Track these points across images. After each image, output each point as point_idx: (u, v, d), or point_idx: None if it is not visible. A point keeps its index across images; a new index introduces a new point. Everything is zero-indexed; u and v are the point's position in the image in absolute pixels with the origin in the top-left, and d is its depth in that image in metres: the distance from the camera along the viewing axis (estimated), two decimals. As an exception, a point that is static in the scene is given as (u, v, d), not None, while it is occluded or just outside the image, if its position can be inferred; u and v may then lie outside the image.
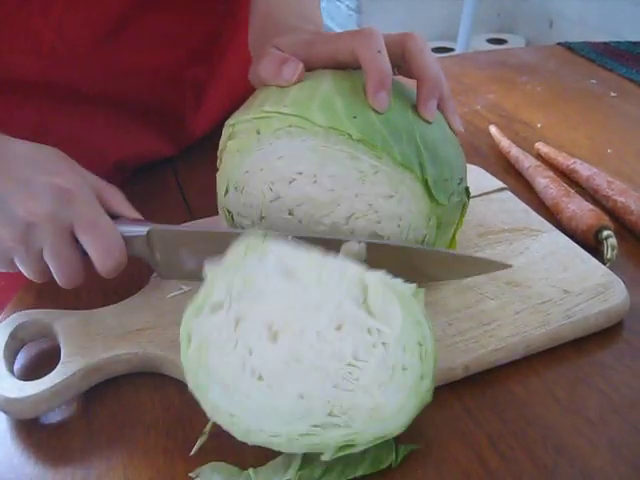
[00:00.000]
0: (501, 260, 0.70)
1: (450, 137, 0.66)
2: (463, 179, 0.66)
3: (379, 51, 0.62)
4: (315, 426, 0.51)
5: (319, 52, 0.66)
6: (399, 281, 0.55)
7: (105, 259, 0.63)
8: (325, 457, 0.51)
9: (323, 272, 0.56)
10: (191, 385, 0.54)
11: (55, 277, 0.64)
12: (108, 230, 0.63)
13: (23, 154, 0.64)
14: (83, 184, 0.63)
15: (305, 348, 0.53)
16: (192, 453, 0.56)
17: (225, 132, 0.66)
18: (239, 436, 0.52)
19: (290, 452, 0.52)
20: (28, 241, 0.61)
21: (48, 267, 0.64)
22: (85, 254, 0.64)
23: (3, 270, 0.65)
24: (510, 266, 0.66)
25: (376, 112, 0.61)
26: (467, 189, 0.67)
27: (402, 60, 0.65)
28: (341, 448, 0.51)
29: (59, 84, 0.83)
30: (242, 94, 0.81)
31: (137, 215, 0.67)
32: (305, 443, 0.51)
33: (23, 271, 0.64)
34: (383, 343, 0.53)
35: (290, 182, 0.64)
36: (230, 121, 0.65)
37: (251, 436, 0.52)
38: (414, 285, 0.55)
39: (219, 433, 0.57)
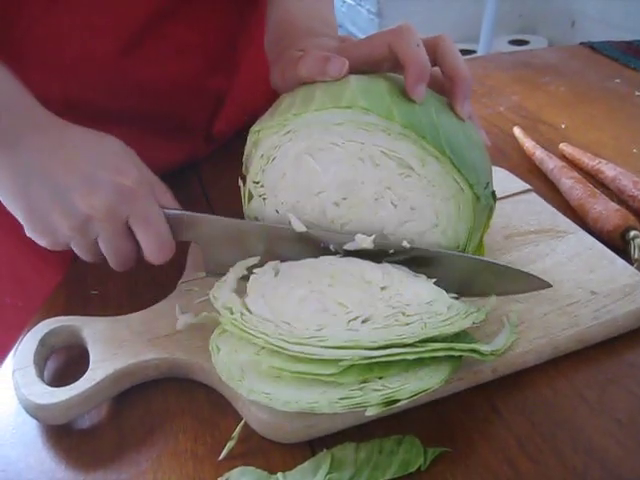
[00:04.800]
0: (527, 262, 0.71)
1: (475, 141, 0.66)
2: (489, 183, 0.66)
3: (417, 45, 0.63)
4: (353, 390, 0.53)
5: (352, 54, 0.66)
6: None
7: (157, 253, 0.66)
8: (370, 413, 0.53)
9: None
10: (224, 378, 0.56)
11: (109, 261, 0.68)
12: (161, 226, 0.66)
13: (85, 145, 0.65)
14: (143, 181, 0.65)
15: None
16: (221, 457, 0.56)
17: (250, 138, 0.66)
18: (279, 407, 0.54)
19: (332, 413, 0.53)
20: (85, 231, 0.65)
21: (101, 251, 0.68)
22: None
23: (60, 249, 0.68)
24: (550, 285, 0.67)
25: (402, 114, 0.61)
26: (493, 192, 0.66)
27: (433, 62, 0.65)
28: (385, 404, 0.53)
29: (80, 103, 0.83)
30: (260, 99, 0.82)
31: (182, 212, 0.69)
32: (345, 404, 0.53)
33: (78, 254, 0.68)
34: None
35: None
36: (255, 127, 0.66)
37: (290, 405, 0.53)
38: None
39: (248, 437, 0.57)
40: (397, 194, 0.64)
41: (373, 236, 0.64)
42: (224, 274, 0.65)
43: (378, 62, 0.67)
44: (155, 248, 0.66)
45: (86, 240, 0.66)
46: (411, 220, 0.65)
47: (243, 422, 0.57)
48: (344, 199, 0.65)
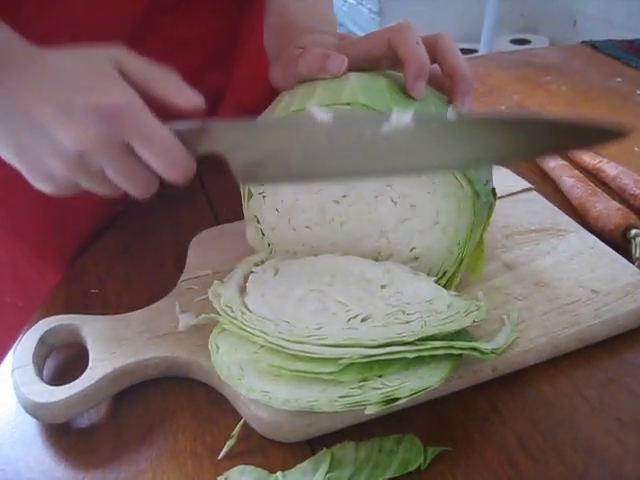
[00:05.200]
0: (528, 261, 0.70)
1: None
2: (489, 180, 0.65)
3: (417, 42, 0.63)
4: (352, 388, 0.53)
5: (351, 51, 0.66)
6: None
7: (170, 171, 0.58)
8: (369, 411, 0.53)
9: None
10: (223, 377, 0.56)
11: (129, 192, 0.60)
12: (166, 140, 0.57)
13: (58, 70, 0.57)
14: (129, 95, 0.56)
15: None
16: (220, 456, 0.56)
17: None
18: (278, 406, 0.53)
19: (332, 411, 0.53)
20: (84, 167, 0.57)
21: None
22: None
23: (72, 192, 0.61)
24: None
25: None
26: (493, 190, 0.66)
27: (432, 60, 0.65)
28: (384, 402, 0.53)
29: None
30: (259, 95, 0.81)
31: (196, 100, 0.60)
32: (345, 403, 0.52)
33: (94, 191, 0.61)
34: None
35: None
36: None
37: (290, 404, 0.53)
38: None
39: (247, 436, 0.57)
40: (397, 191, 0.64)
41: (411, 113, 0.54)
42: (259, 182, 0.65)
43: (377, 59, 0.67)
44: (166, 166, 0.57)
45: (92, 176, 0.58)
46: (411, 217, 0.64)
47: (242, 421, 0.57)
48: (344, 197, 0.65)
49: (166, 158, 0.57)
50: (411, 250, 0.66)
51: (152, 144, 0.56)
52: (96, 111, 0.54)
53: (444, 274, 0.66)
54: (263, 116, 0.66)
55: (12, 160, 0.59)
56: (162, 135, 0.56)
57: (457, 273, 0.66)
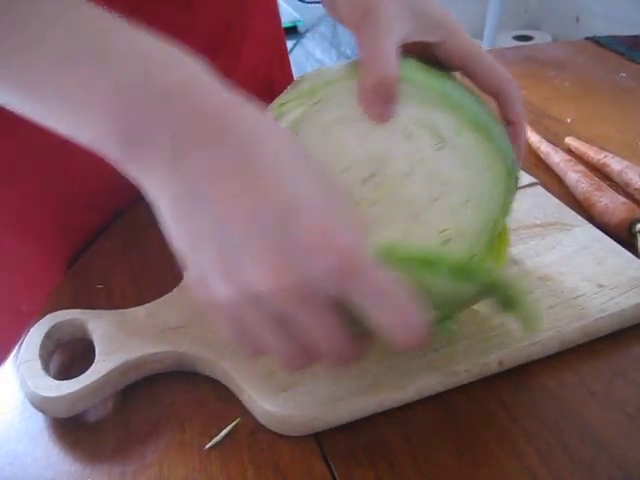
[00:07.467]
0: (533, 255, 0.70)
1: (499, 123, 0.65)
2: (514, 162, 0.64)
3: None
4: None
5: (473, 69, 0.63)
6: None
7: (406, 335, 0.45)
8: None
9: None
10: None
11: (294, 359, 0.47)
12: (401, 298, 0.44)
13: (277, 164, 0.43)
14: (360, 241, 0.43)
15: None
16: (207, 446, 0.57)
17: (271, 114, 0.63)
18: None
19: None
20: (255, 310, 0.44)
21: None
22: None
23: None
24: None
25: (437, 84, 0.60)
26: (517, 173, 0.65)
27: (493, 97, 0.64)
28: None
29: None
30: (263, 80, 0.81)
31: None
32: None
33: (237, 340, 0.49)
34: None
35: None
36: (279, 100, 0.61)
37: None
38: None
39: (254, 430, 0.57)
40: (429, 167, 0.60)
41: None
42: None
43: (475, 81, 0.64)
44: (403, 328, 0.44)
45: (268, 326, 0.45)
46: (442, 196, 0.61)
47: (237, 421, 0.58)
48: (372, 176, 0.62)
49: (403, 318, 0.44)
50: (442, 232, 0.64)
51: (386, 301, 0.43)
52: (320, 258, 0.41)
53: (472, 257, 0.64)
54: (282, 96, 0.63)
55: (178, 241, 0.45)
56: (395, 290, 0.44)
57: (486, 257, 0.64)
